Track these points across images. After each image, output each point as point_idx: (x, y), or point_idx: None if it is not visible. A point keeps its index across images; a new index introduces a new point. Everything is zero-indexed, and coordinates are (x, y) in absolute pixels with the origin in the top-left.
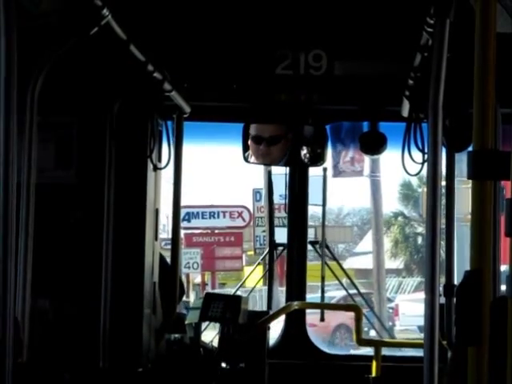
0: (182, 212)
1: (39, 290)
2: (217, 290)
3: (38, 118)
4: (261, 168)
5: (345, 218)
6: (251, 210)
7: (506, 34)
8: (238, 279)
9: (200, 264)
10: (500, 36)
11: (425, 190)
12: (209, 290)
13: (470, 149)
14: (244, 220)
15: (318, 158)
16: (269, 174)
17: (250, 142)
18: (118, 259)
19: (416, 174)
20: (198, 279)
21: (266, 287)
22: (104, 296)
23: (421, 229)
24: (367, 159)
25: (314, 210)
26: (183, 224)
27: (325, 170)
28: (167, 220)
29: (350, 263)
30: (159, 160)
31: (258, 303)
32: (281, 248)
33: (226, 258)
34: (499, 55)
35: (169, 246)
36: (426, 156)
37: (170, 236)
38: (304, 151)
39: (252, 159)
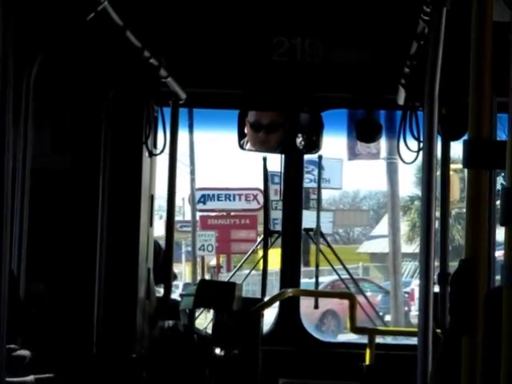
0: (198, 194)
1: (33, 275)
2: (232, 273)
3: (33, 103)
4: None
5: (361, 202)
6: None
7: (502, 23)
8: (252, 262)
9: (215, 246)
10: (496, 25)
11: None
12: (224, 272)
13: (466, 137)
14: (259, 202)
15: (313, 146)
16: (264, 162)
17: (248, 129)
18: (113, 245)
19: (411, 162)
20: (214, 262)
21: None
22: (98, 282)
23: (438, 213)
24: (384, 141)
25: (330, 194)
26: (199, 206)
27: (320, 157)
28: (183, 202)
29: (365, 247)
30: (155, 146)
31: (274, 286)
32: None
33: (241, 240)
34: (495, 44)
35: (185, 229)
36: (421, 144)
37: (185, 218)
38: (299, 139)
39: (248, 146)
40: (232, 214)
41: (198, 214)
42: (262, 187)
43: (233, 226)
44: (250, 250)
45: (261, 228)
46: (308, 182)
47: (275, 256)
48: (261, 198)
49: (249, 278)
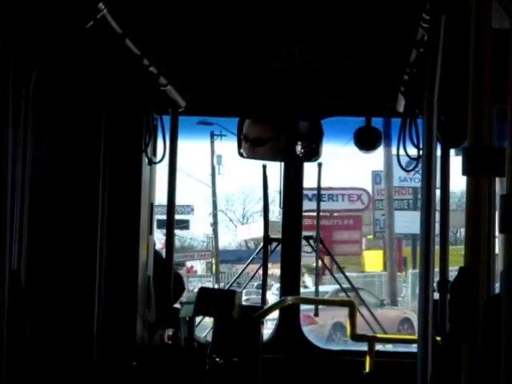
0: None
1: (33, 284)
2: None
3: (33, 112)
4: (380, 150)
5: None
6: (370, 193)
7: (501, 30)
8: (357, 263)
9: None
10: (495, 32)
11: None
12: (327, 274)
13: (465, 144)
14: (363, 203)
15: (312, 154)
16: (264, 169)
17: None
18: (113, 253)
19: (411, 170)
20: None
21: (386, 273)
22: (98, 290)
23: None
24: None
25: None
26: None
27: (319, 165)
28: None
29: None
30: (154, 154)
31: (377, 288)
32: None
33: (345, 241)
34: (494, 51)
35: None
36: (421, 151)
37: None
38: (299, 146)
39: (247, 154)
40: (335, 214)
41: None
42: (366, 187)
43: (336, 227)
44: (251, 257)
45: (366, 229)
46: (418, 182)
47: (377, 258)
48: (365, 199)
49: (353, 280)
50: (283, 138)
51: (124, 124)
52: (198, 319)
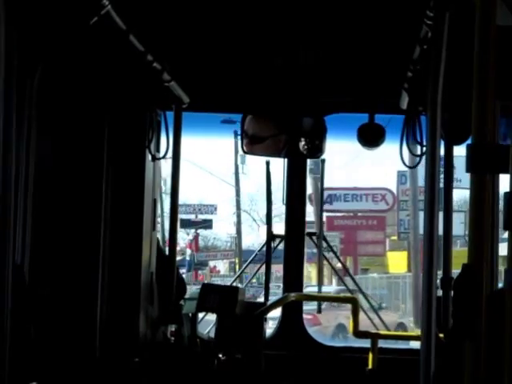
0: (324, 194)
1: (37, 279)
2: (358, 276)
3: (36, 108)
4: (404, 150)
5: None
6: (395, 193)
7: (505, 27)
8: (381, 264)
9: (339, 248)
10: (499, 29)
11: None
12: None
13: (469, 142)
14: (387, 203)
15: (316, 150)
16: (267, 166)
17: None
18: (116, 249)
19: (414, 167)
20: (339, 264)
21: (411, 274)
22: (101, 286)
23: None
24: None
25: (461, 194)
26: (326, 206)
27: (323, 161)
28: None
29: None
30: (158, 150)
31: (401, 289)
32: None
33: (368, 242)
34: (499, 48)
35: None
36: (424, 148)
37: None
38: (302, 143)
39: (250, 150)
40: (359, 214)
41: (324, 214)
42: (390, 187)
43: (359, 227)
44: (253, 254)
45: (389, 229)
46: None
47: (401, 260)
48: (390, 199)
49: (376, 282)
50: (286, 135)
51: (127, 120)
52: (200, 315)
